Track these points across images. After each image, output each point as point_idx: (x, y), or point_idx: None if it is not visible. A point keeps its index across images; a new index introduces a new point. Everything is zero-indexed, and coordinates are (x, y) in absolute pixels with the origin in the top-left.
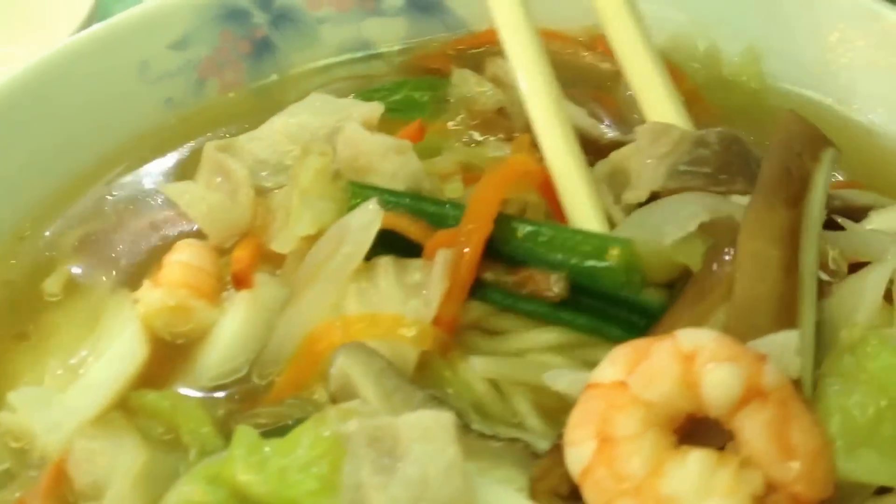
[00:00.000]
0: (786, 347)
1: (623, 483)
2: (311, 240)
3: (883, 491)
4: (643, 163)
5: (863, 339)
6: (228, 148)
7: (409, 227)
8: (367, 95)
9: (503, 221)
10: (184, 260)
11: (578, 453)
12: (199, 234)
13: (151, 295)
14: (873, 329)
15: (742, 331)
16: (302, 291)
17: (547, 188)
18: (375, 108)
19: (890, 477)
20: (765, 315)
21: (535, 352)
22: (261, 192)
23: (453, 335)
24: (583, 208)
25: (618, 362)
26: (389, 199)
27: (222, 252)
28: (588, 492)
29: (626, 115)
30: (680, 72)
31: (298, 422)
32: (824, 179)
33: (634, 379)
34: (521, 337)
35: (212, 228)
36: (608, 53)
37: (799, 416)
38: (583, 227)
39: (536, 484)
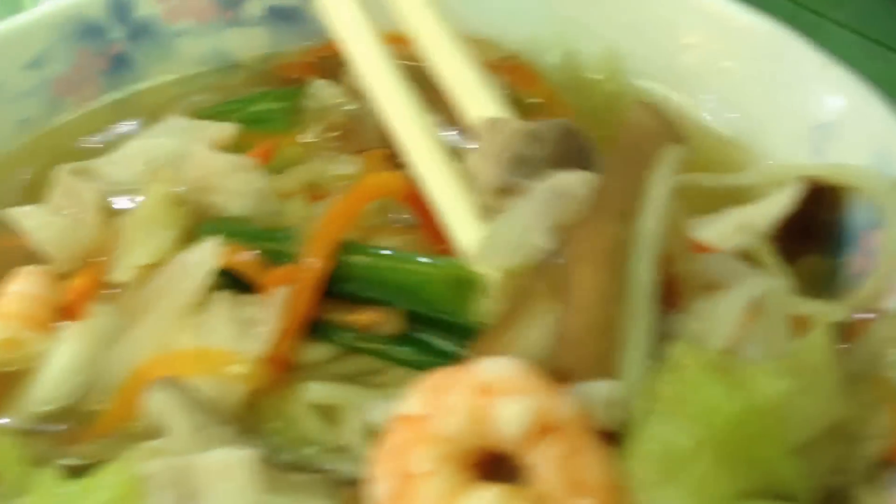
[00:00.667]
0: (601, 398)
1: None
2: (153, 268)
3: None
4: (482, 162)
5: (684, 360)
6: (84, 171)
7: (244, 265)
8: (225, 107)
9: (347, 251)
10: (19, 290)
11: (378, 490)
12: (43, 259)
13: None
14: (695, 350)
15: (562, 366)
16: (135, 323)
17: (413, 201)
18: (227, 129)
19: None
20: (586, 348)
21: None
22: (116, 216)
23: (286, 373)
24: (464, 219)
25: (422, 393)
26: (229, 233)
27: (66, 277)
28: None
29: None
30: (536, 72)
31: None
32: (664, 186)
33: (434, 412)
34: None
35: (56, 254)
36: None
37: (590, 450)
38: (467, 238)
39: None
